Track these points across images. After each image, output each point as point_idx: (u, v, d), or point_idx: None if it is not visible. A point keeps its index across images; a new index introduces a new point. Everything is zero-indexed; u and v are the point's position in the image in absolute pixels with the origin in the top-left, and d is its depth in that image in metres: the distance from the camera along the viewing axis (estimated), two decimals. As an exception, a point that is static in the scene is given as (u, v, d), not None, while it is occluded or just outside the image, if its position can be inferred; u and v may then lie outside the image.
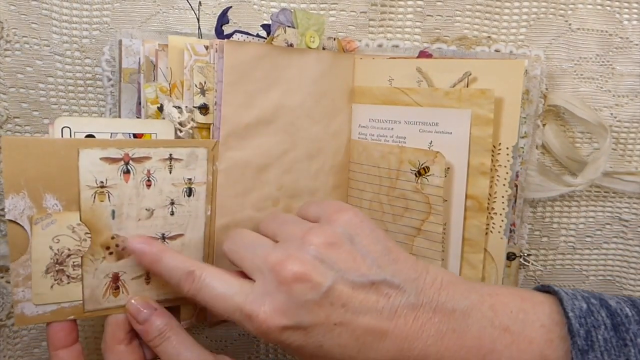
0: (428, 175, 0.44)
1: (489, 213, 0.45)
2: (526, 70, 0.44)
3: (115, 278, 0.39)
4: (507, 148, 0.44)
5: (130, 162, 0.38)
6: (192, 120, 0.40)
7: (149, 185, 0.39)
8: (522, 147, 0.47)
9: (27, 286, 0.37)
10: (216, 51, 0.40)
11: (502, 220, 0.45)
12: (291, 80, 0.43)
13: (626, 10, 0.47)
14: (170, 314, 0.39)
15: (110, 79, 0.46)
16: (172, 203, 0.40)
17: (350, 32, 0.48)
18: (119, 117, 0.45)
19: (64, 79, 0.46)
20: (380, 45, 0.48)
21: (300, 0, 0.47)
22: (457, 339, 0.33)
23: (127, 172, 0.38)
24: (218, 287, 0.34)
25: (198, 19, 0.44)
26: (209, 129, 0.41)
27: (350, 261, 0.34)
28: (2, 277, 0.49)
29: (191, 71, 0.40)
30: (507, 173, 0.44)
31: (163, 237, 0.40)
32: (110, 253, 0.39)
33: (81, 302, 0.38)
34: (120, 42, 0.44)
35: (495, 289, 0.35)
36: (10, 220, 0.36)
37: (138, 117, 0.44)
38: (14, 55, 0.45)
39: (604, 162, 0.48)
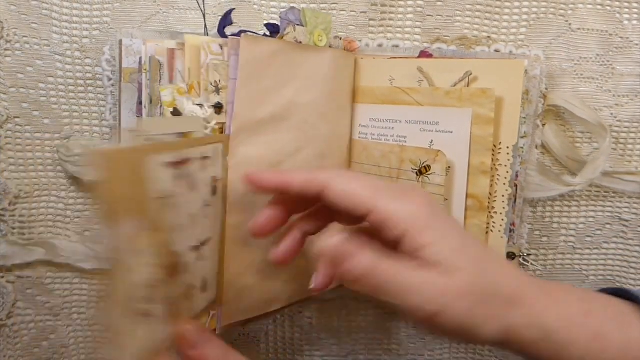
0: (429, 174, 0.44)
1: (489, 212, 0.45)
2: (526, 70, 0.44)
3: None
4: (508, 147, 0.44)
5: (188, 164, 0.34)
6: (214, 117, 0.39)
7: (192, 189, 0.35)
8: (522, 147, 0.47)
9: None
10: (231, 48, 0.39)
11: (502, 220, 0.45)
12: (304, 77, 0.42)
13: (626, 10, 0.47)
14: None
15: (110, 79, 0.46)
16: (206, 205, 0.37)
17: (351, 32, 0.48)
18: (119, 117, 0.45)
19: (64, 79, 0.46)
20: (380, 45, 0.48)
21: (300, 0, 0.47)
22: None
23: (185, 176, 0.34)
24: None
25: (204, 15, 0.44)
26: (222, 128, 0.40)
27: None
28: (2, 277, 0.49)
29: (207, 70, 0.39)
30: (507, 172, 0.44)
31: (201, 245, 0.36)
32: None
33: None
34: (120, 42, 0.44)
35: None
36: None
37: (138, 117, 0.44)
38: (14, 55, 0.45)
39: (604, 162, 0.48)
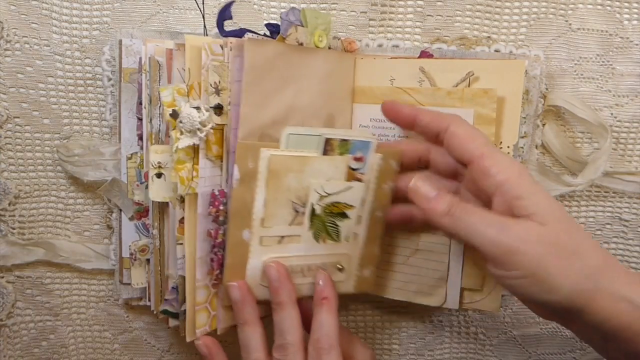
0: None
1: (490, 212, 0.45)
2: (526, 71, 0.44)
3: None
4: (508, 147, 0.44)
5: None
6: (211, 120, 0.38)
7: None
8: (522, 147, 0.47)
9: None
10: (231, 50, 0.38)
11: (503, 220, 0.45)
12: (302, 79, 0.42)
13: (626, 10, 0.47)
14: None
15: (110, 79, 0.46)
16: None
17: (351, 32, 0.48)
18: (119, 117, 0.45)
19: (64, 79, 0.46)
20: (380, 45, 0.48)
21: (300, 0, 0.47)
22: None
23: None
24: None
25: (203, 16, 0.44)
26: (223, 130, 0.40)
27: None
28: (2, 277, 0.49)
29: (207, 71, 0.38)
30: (507, 172, 0.44)
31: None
32: None
33: None
34: (120, 42, 0.44)
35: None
36: None
37: (138, 117, 0.44)
38: (14, 55, 0.45)
39: (604, 162, 0.48)
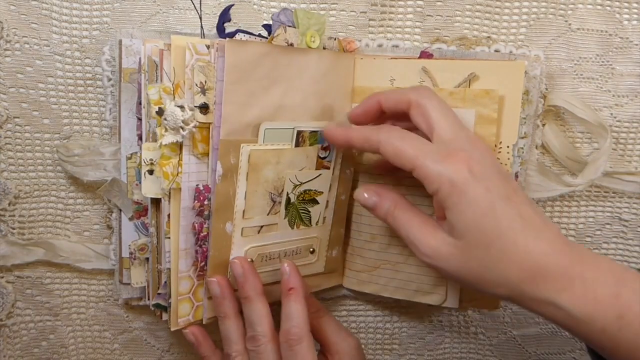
0: None
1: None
2: (526, 71, 0.44)
3: None
4: (508, 147, 0.44)
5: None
6: (195, 119, 0.39)
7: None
8: (522, 148, 0.47)
9: None
10: (217, 50, 0.39)
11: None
12: (292, 79, 0.42)
13: (626, 10, 0.47)
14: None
15: (110, 79, 0.46)
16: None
17: (350, 32, 0.48)
18: (119, 117, 0.45)
19: (64, 79, 0.46)
20: (380, 45, 0.48)
21: (300, 0, 0.47)
22: (598, 266, 0.35)
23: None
24: (404, 134, 0.38)
25: (200, 18, 0.44)
26: (209, 128, 0.41)
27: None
28: (2, 277, 0.49)
29: (192, 70, 0.39)
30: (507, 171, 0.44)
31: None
32: None
33: None
34: (120, 42, 0.44)
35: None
36: None
37: (138, 117, 0.44)
38: (14, 55, 0.45)
39: (604, 162, 0.48)
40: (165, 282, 0.43)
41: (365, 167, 0.48)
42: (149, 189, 0.42)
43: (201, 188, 0.41)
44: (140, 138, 0.44)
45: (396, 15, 0.48)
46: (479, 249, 0.35)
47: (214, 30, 0.43)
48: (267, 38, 0.43)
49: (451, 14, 0.48)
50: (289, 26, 0.43)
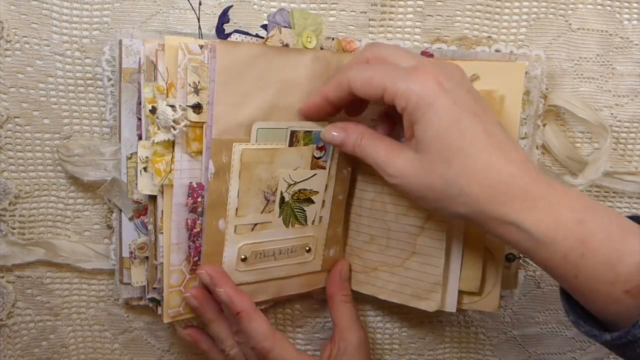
0: None
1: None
2: (526, 71, 0.44)
3: None
4: None
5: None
6: (186, 118, 0.40)
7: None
8: (523, 148, 0.47)
9: None
10: (210, 51, 0.40)
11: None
12: (287, 80, 0.43)
13: (626, 10, 0.47)
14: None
15: (110, 79, 0.46)
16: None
17: (351, 32, 0.48)
18: (119, 117, 0.45)
19: (64, 79, 0.46)
20: (380, 45, 0.48)
21: (300, 0, 0.47)
22: (566, 193, 0.34)
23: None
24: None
25: (198, 19, 0.44)
26: (203, 127, 0.41)
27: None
28: (2, 277, 0.49)
29: (185, 70, 0.40)
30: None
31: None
32: None
33: None
34: (120, 41, 0.44)
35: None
36: None
37: (138, 117, 0.44)
38: (14, 55, 0.45)
39: (605, 162, 0.48)
40: (160, 276, 0.44)
41: (363, 167, 0.48)
42: (144, 185, 0.42)
43: (194, 185, 0.42)
44: (140, 138, 0.44)
45: (396, 15, 0.48)
46: (441, 162, 0.35)
47: (214, 30, 0.43)
48: (257, 38, 0.43)
49: (451, 13, 0.48)
50: (285, 27, 0.43)
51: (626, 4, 0.47)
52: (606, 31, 0.48)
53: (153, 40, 0.42)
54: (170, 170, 0.41)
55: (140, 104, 0.43)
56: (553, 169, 0.50)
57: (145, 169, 0.42)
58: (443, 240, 0.45)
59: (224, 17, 0.43)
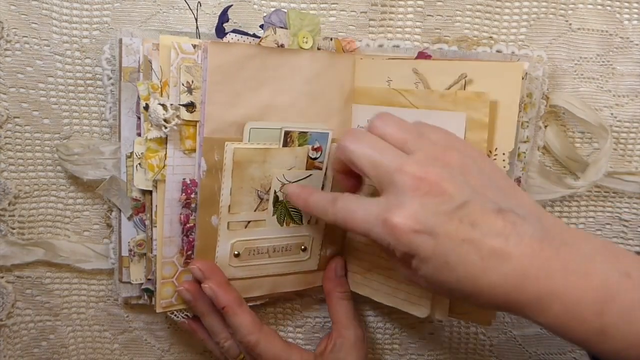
0: None
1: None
2: (527, 73, 0.42)
3: None
4: (504, 154, 0.42)
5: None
6: (177, 117, 0.41)
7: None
8: (524, 152, 0.46)
9: None
10: (203, 51, 0.40)
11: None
12: (281, 80, 0.43)
13: (626, 10, 0.47)
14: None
15: (110, 78, 0.46)
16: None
17: (351, 32, 0.48)
18: (119, 116, 0.45)
19: (64, 79, 0.46)
20: (380, 46, 0.48)
21: (300, 0, 0.47)
22: (584, 280, 0.32)
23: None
24: (356, 206, 0.37)
25: (196, 19, 0.44)
26: (196, 125, 0.42)
27: (480, 186, 0.34)
28: (2, 277, 0.49)
29: (178, 69, 0.40)
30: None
31: None
32: None
33: None
34: (120, 40, 0.44)
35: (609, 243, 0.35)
36: None
37: (138, 116, 0.44)
38: (14, 55, 0.45)
39: (605, 163, 0.48)
40: (154, 268, 0.45)
41: None
42: (139, 180, 0.44)
43: (188, 182, 0.43)
44: (139, 136, 0.44)
45: (396, 15, 0.48)
46: (445, 296, 0.39)
47: (213, 30, 0.43)
48: (252, 38, 0.43)
49: (451, 14, 0.48)
50: (280, 27, 0.43)
51: (626, 4, 0.47)
52: (606, 31, 0.48)
53: (153, 40, 0.42)
54: (164, 166, 0.42)
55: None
56: (553, 169, 0.50)
57: (140, 164, 0.43)
58: None
59: (223, 17, 0.43)
